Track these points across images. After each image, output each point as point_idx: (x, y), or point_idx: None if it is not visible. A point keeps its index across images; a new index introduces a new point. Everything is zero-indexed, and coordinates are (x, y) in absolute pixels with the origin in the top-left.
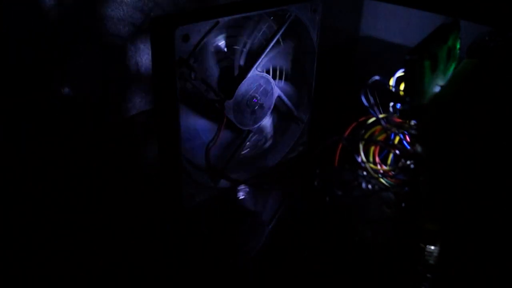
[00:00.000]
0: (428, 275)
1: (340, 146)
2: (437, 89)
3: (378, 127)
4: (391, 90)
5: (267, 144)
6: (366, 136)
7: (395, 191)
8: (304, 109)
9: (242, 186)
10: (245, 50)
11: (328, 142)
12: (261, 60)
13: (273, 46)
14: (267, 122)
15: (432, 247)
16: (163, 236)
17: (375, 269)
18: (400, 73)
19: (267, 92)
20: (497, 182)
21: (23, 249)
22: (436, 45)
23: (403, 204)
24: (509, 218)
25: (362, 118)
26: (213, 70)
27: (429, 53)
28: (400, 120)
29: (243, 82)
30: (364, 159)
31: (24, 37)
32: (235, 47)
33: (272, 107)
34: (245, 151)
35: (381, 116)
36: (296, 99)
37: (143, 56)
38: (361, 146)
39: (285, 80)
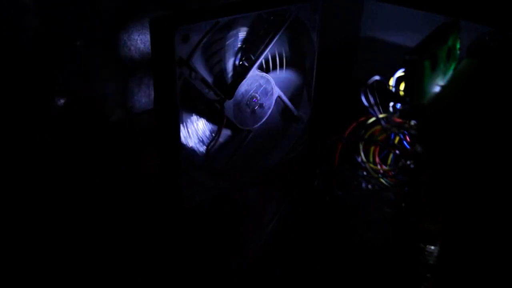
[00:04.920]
0: (428, 275)
1: (340, 146)
2: (437, 89)
3: (378, 127)
4: (391, 90)
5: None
6: (366, 136)
7: (395, 191)
8: (304, 109)
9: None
10: (245, 50)
11: (328, 142)
12: (261, 60)
13: (273, 46)
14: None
15: (432, 247)
16: (163, 236)
17: (375, 269)
18: (400, 73)
19: (267, 92)
20: (497, 182)
21: (23, 250)
22: (436, 45)
23: (403, 204)
24: (509, 218)
25: (362, 118)
26: (213, 70)
27: (429, 53)
28: (400, 120)
29: (243, 82)
30: (364, 159)
31: (22, 35)
32: (235, 47)
33: (272, 107)
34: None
35: (381, 116)
36: (296, 99)
37: (144, 56)
38: (361, 146)
39: (285, 79)
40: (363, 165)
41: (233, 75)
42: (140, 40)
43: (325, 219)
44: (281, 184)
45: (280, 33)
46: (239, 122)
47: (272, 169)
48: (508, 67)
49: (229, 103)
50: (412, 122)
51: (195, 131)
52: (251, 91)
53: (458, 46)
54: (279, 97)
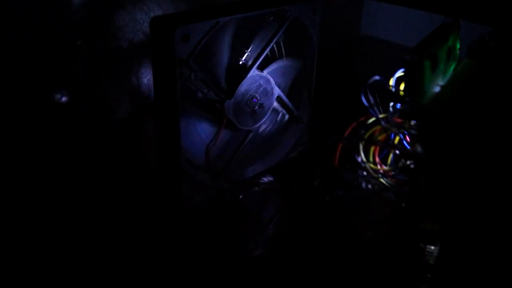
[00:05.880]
0: (428, 275)
1: (340, 146)
2: (437, 89)
3: (378, 127)
4: (391, 90)
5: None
6: (366, 136)
7: (395, 191)
8: (304, 109)
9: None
10: (245, 50)
11: (328, 142)
12: (261, 60)
13: (273, 46)
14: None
15: (432, 247)
16: (163, 236)
17: (375, 269)
18: (400, 73)
19: (267, 92)
20: (497, 182)
21: (23, 251)
22: (436, 45)
23: (403, 204)
24: (509, 218)
25: (362, 118)
26: (213, 70)
27: (429, 53)
28: (400, 120)
29: (243, 82)
30: (364, 159)
31: (23, 38)
32: (235, 47)
33: (272, 107)
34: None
35: (381, 116)
36: (296, 99)
37: (143, 56)
38: (361, 146)
39: (285, 80)
40: (363, 165)
41: (233, 75)
42: (140, 39)
43: (325, 219)
44: (281, 184)
45: (280, 33)
46: (239, 122)
47: (272, 169)
48: (508, 67)
49: (229, 103)
50: (412, 122)
51: (195, 131)
52: (251, 91)
53: (458, 46)
54: (279, 97)
